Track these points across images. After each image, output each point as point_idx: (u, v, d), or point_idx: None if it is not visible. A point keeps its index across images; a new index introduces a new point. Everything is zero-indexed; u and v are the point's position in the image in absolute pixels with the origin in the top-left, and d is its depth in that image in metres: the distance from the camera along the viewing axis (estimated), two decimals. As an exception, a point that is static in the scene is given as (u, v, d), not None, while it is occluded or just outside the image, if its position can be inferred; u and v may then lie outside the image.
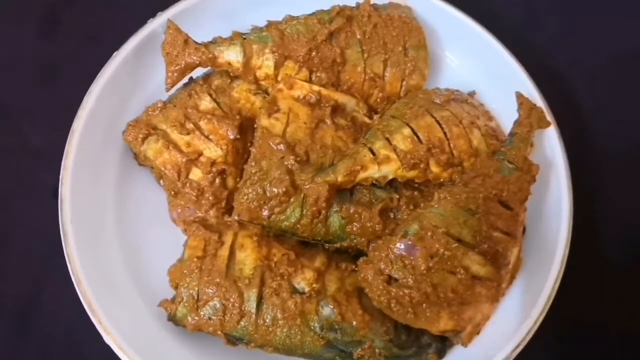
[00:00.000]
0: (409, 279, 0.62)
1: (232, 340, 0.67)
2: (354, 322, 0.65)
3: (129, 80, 0.80)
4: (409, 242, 0.63)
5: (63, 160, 0.72)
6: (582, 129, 0.88)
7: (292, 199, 0.68)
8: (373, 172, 0.68)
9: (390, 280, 0.63)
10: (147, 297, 0.71)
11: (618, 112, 0.90)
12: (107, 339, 0.65)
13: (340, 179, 0.67)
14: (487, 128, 0.77)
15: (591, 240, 0.80)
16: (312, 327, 0.65)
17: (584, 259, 0.73)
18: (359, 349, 0.65)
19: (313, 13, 0.79)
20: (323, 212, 0.67)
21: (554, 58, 0.92)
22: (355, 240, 0.70)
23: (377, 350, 0.65)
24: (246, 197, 0.68)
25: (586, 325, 0.78)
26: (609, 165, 0.86)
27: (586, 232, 0.74)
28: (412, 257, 0.62)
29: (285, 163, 0.68)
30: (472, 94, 0.83)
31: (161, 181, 0.77)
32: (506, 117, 0.79)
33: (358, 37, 0.78)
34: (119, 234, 0.75)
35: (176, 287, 0.69)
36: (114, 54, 0.79)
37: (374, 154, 0.69)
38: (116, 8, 0.96)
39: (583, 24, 0.97)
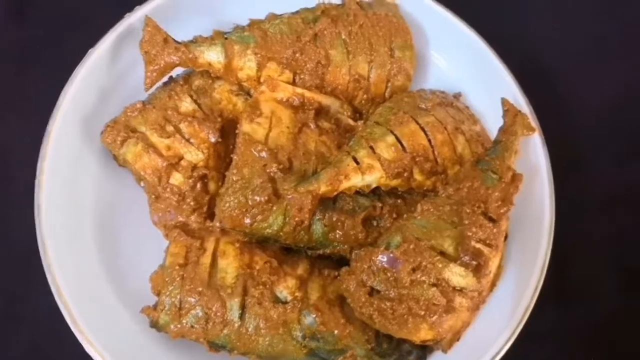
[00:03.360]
0: (391, 292, 0.62)
1: (215, 347, 0.67)
2: (336, 331, 0.66)
3: (106, 78, 0.78)
4: (392, 255, 0.63)
5: (39, 163, 0.70)
6: (567, 130, 0.88)
7: (274, 207, 0.67)
8: (356, 181, 0.68)
9: (372, 291, 0.64)
10: (129, 304, 0.71)
11: (605, 113, 0.90)
12: (89, 350, 0.65)
13: (323, 188, 0.66)
14: (471, 133, 0.77)
15: (572, 247, 0.81)
16: (294, 336, 0.66)
17: (565, 266, 0.74)
18: (341, 357, 0.66)
19: (297, 12, 0.77)
20: (306, 221, 0.67)
21: (542, 58, 0.92)
22: (338, 248, 0.70)
23: (358, 359, 0.66)
24: (228, 204, 0.68)
25: (566, 330, 0.80)
26: (593, 169, 0.87)
27: (568, 240, 0.75)
28: (394, 270, 0.63)
29: (268, 171, 0.68)
30: (457, 95, 0.82)
31: (141, 183, 0.76)
32: (491, 118, 0.79)
33: (343, 37, 0.76)
34: (100, 239, 0.74)
35: (158, 294, 0.68)
36: (89, 50, 0.76)
37: (357, 162, 0.68)
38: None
39: (572, 26, 0.96)
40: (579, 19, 0.97)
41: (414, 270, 0.62)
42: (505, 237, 0.72)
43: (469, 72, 0.82)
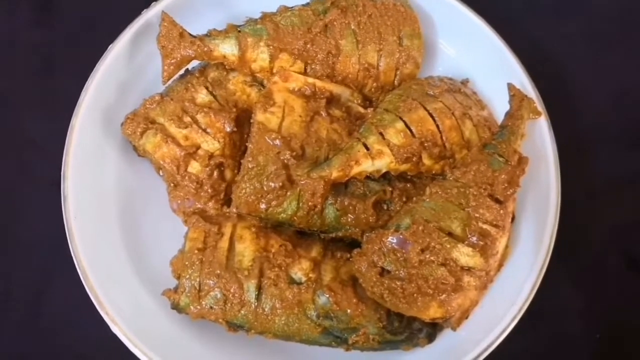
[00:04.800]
0: (401, 272, 0.64)
1: (234, 327, 0.70)
2: (349, 310, 0.68)
3: (125, 72, 0.80)
4: (401, 236, 0.65)
5: (64, 156, 0.74)
6: (573, 115, 0.89)
7: (288, 193, 0.70)
8: (367, 166, 0.70)
9: (383, 271, 0.66)
10: (150, 287, 0.74)
11: (612, 98, 0.91)
12: (115, 329, 0.68)
13: (335, 174, 0.69)
14: (479, 118, 0.78)
15: (578, 230, 0.82)
16: (309, 315, 0.68)
17: (570, 248, 0.75)
18: (354, 335, 0.68)
19: (307, 3, 0.79)
20: (319, 206, 0.69)
21: (549, 43, 0.92)
22: (349, 231, 0.72)
23: (370, 336, 0.68)
24: (244, 191, 0.70)
25: (571, 309, 0.82)
26: (599, 154, 0.88)
27: (573, 222, 0.76)
28: (404, 251, 0.65)
29: (282, 158, 0.70)
30: (465, 81, 0.83)
31: (160, 172, 0.79)
32: (499, 103, 0.80)
33: (352, 27, 0.78)
34: (122, 226, 0.77)
35: (178, 278, 0.71)
36: (109, 46, 0.79)
37: (367, 148, 0.70)
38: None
39: (578, 11, 0.96)
40: (587, 4, 0.97)
41: (422, 250, 0.64)
42: (512, 219, 0.74)
43: (477, 59, 0.83)
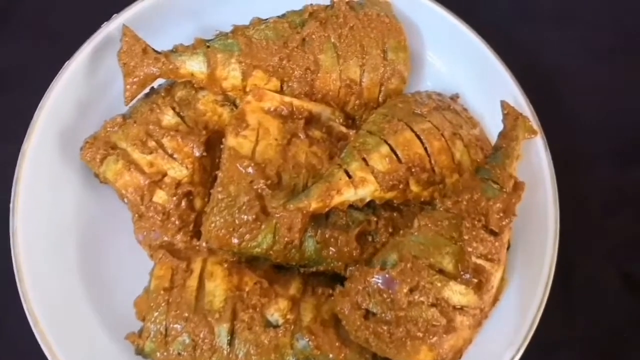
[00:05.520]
0: (388, 314, 0.59)
1: (205, 374, 0.64)
2: (331, 355, 0.62)
3: (84, 91, 0.75)
4: (387, 275, 0.59)
5: (13, 185, 0.67)
6: (567, 132, 0.84)
7: (263, 226, 0.64)
8: (349, 195, 0.64)
9: (368, 313, 0.60)
10: (112, 329, 0.68)
11: (607, 114, 0.87)
12: (71, 382, 0.62)
13: (314, 205, 0.63)
14: (470, 137, 0.73)
15: (576, 252, 0.77)
16: (287, 361, 0.63)
17: (569, 271, 0.71)
18: (337, 381, 0.63)
19: (283, 15, 0.74)
20: (296, 241, 0.64)
21: (542, 57, 0.88)
22: (332, 265, 0.67)
23: (355, 383, 0.63)
24: (214, 224, 0.64)
25: (574, 338, 0.77)
26: (594, 171, 0.84)
27: (571, 245, 0.72)
28: (391, 291, 0.59)
29: (255, 187, 0.65)
30: (455, 97, 0.79)
31: (125, 199, 0.72)
32: (491, 119, 0.76)
33: (332, 41, 0.73)
34: (81, 260, 0.71)
35: (143, 320, 0.65)
36: (66, 63, 0.73)
37: (349, 176, 0.65)
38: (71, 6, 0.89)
39: (573, 21, 0.92)
40: (581, 15, 0.93)
41: (411, 290, 0.59)
42: (508, 247, 0.69)
43: (467, 72, 0.79)
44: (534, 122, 0.73)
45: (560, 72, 0.88)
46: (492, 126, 0.75)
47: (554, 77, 0.87)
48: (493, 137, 0.74)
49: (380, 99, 0.76)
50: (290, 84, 0.72)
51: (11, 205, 0.67)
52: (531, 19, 0.92)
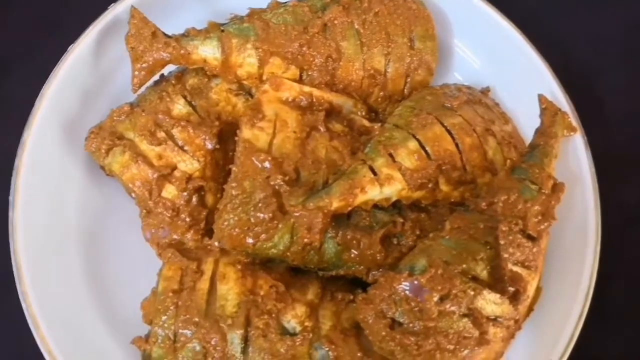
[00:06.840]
0: (416, 325, 0.55)
1: (216, 383, 0.60)
2: (352, 366, 0.58)
3: (89, 78, 0.72)
4: (416, 282, 0.55)
5: (13, 178, 0.64)
6: (610, 131, 0.80)
7: (280, 225, 0.60)
8: (374, 194, 0.60)
9: (393, 323, 0.56)
10: (118, 333, 0.64)
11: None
12: (72, 390, 0.58)
13: (335, 204, 0.59)
14: (503, 134, 0.69)
15: (617, 263, 0.72)
16: (304, 373, 0.58)
17: (609, 283, 0.66)
18: (358, 394, 0.59)
19: (303, -2, 0.70)
20: (316, 242, 0.59)
21: (583, 49, 0.84)
22: (353, 269, 0.63)
23: (377, 396, 0.59)
24: (227, 222, 0.61)
25: (614, 355, 0.73)
26: (634, 175, 0.79)
27: (611, 254, 0.67)
28: (419, 299, 0.55)
29: (272, 183, 0.61)
30: (485, 91, 0.75)
31: (132, 194, 0.68)
32: (524, 116, 0.72)
33: (356, 27, 0.70)
34: (85, 259, 0.67)
35: (150, 324, 0.61)
36: (70, 47, 0.69)
37: (374, 173, 0.61)
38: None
39: (614, 10, 0.87)
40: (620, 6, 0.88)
41: (442, 299, 0.55)
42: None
43: (499, 64, 0.76)
44: (573, 118, 0.69)
45: (602, 66, 0.83)
46: (525, 123, 0.72)
47: (595, 70, 0.83)
48: (525, 135, 0.70)
49: (406, 92, 0.73)
50: (310, 73, 0.69)
51: (10, 199, 0.63)
52: (570, 6, 0.87)
